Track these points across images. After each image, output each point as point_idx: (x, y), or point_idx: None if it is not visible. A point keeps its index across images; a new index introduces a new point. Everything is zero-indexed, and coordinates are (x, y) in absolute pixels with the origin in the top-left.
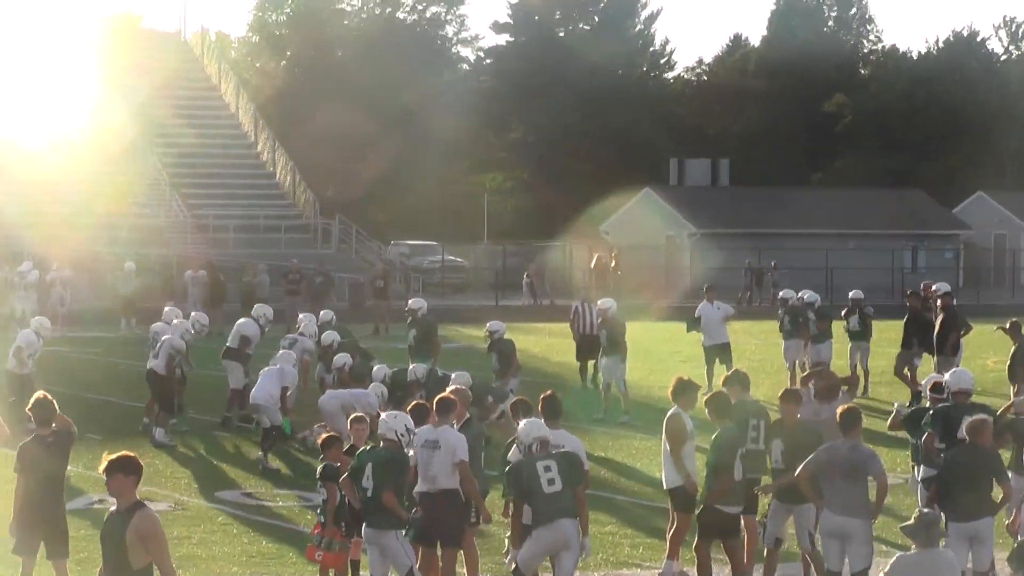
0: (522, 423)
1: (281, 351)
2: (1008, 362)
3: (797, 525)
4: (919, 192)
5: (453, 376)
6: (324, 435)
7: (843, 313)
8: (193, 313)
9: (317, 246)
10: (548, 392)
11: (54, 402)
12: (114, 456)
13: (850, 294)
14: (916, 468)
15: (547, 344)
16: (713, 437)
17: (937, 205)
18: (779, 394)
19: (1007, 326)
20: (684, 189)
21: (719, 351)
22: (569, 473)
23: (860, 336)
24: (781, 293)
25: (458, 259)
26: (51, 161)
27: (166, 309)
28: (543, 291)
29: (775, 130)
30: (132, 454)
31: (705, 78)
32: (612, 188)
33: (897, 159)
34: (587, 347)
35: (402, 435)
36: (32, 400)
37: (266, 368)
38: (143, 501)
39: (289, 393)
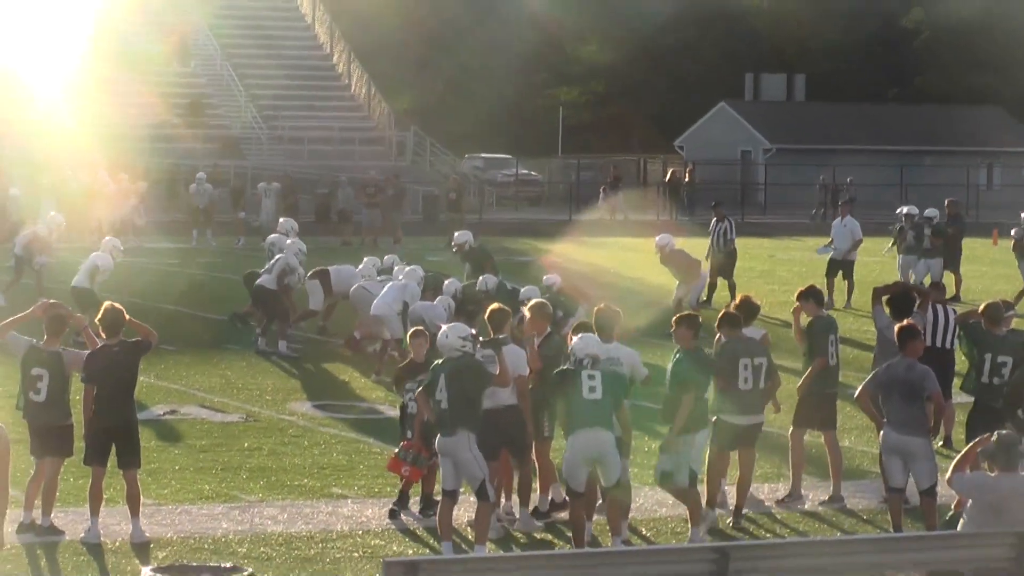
0: (576, 338)
1: (408, 267)
2: None
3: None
4: (996, 109)
5: (523, 290)
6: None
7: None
8: (282, 219)
9: (392, 158)
10: (601, 305)
11: (123, 311)
12: None
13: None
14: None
15: (621, 258)
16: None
17: (1014, 122)
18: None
19: None
20: (759, 104)
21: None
22: (612, 386)
23: None
24: (904, 209)
25: (532, 173)
26: (126, 75)
27: (281, 220)
28: (619, 206)
29: (852, 45)
30: None
31: None
32: (687, 103)
33: (976, 76)
34: (715, 266)
35: (463, 346)
36: (101, 310)
37: (391, 282)
38: None
39: (411, 308)
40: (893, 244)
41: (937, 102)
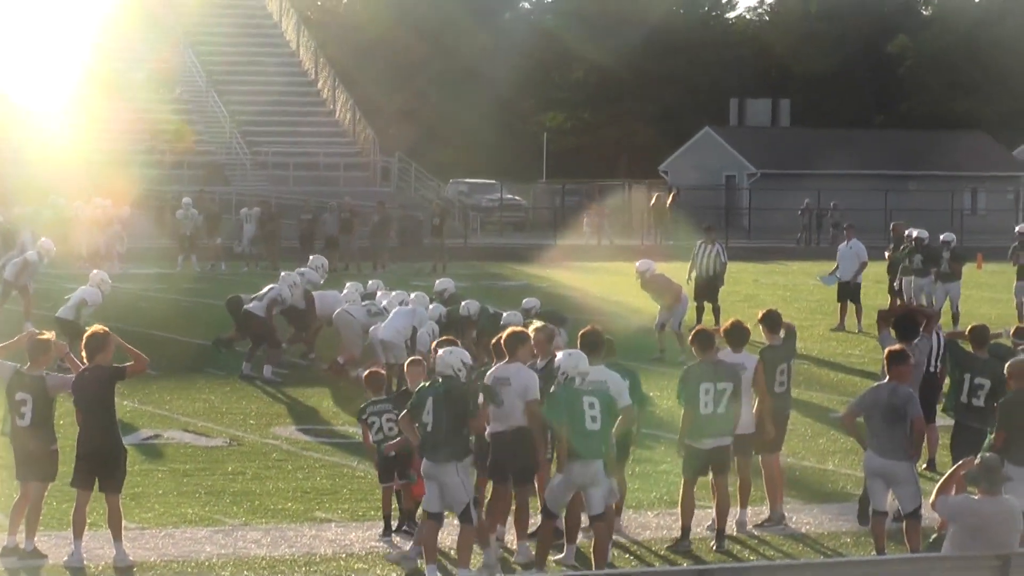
0: (564, 354)
1: (415, 293)
2: None
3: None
4: (980, 134)
5: (505, 315)
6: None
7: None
8: (312, 257)
9: (376, 184)
10: (588, 327)
11: (108, 335)
12: None
13: None
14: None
15: (607, 283)
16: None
17: (999, 147)
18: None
19: None
20: (744, 129)
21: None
22: (609, 414)
23: None
24: (914, 232)
25: (517, 198)
26: (110, 101)
27: (312, 257)
28: (603, 231)
29: (837, 72)
30: None
31: (767, 18)
32: (672, 128)
33: (960, 101)
34: (701, 288)
35: (459, 370)
36: (87, 334)
37: (398, 308)
38: None
39: (420, 332)
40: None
41: (922, 127)
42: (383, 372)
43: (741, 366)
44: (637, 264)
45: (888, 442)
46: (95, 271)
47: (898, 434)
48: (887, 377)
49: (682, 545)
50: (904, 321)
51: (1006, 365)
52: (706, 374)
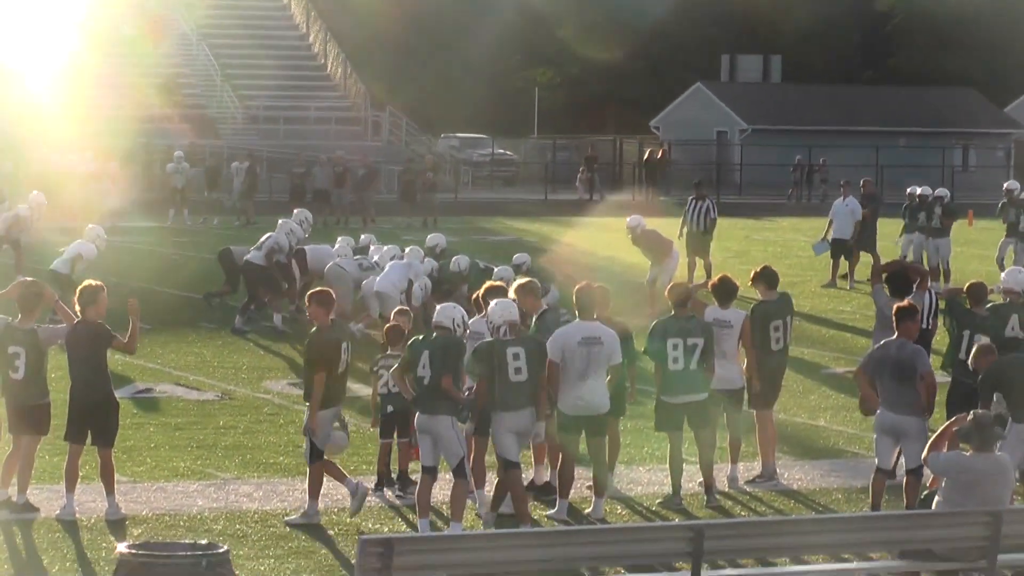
0: (492, 303)
1: (410, 247)
2: None
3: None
4: (970, 90)
5: (496, 270)
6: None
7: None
8: (296, 210)
9: (367, 138)
10: (582, 283)
11: (101, 288)
12: None
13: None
14: None
15: (597, 239)
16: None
17: (989, 104)
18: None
19: None
20: (735, 85)
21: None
22: (537, 363)
23: None
24: (918, 189)
25: (508, 152)
26: (101, 55)
27: (296, 211)
28: (595, 186)
29: (827, 28)
30: None
31: None
32: (663, 84)
33: (949, 58)
34: (692, 244)
35: (457, 324)
36: (80, 286)
37: (393, 261)
38: None
39: (414, 286)
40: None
41: (911, 84)
42: (403, 326)
43: (727, 322)
44: (628, 220)
45: (898, 398)
46: (91, 225)
47: (907, 390)
48: (895, 333)
49: (674, 502)
50: (897, 278)
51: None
52: (674, 329)
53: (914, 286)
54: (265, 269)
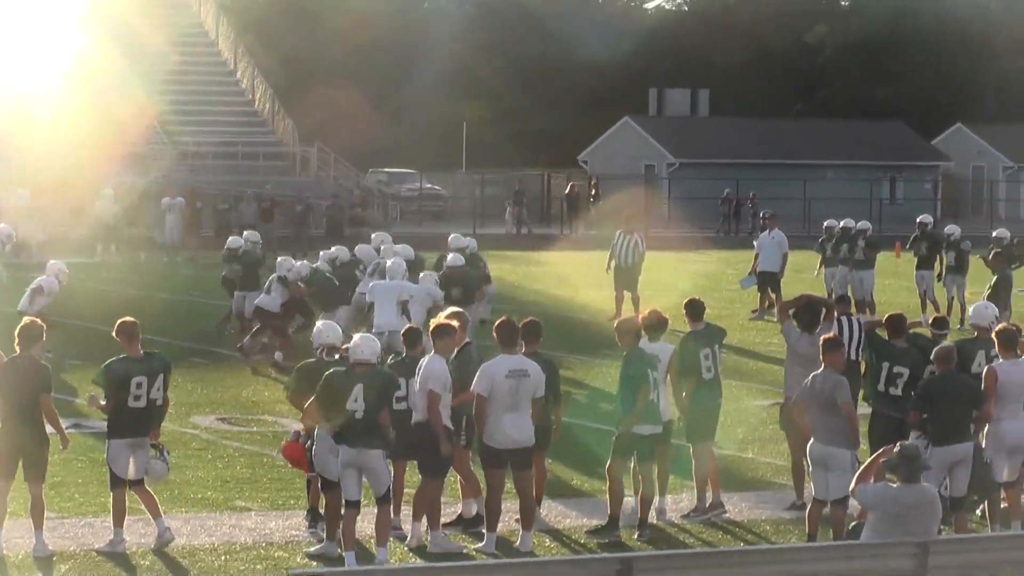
0: (319, 323)
1: (424, 272)
2: (988, 292)
3: None
4: (898, 123)
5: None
6: None
7: (910, 243)
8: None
9: (296, 173)
10: (503, 319)
11: (42, 328)
12: None
13: (946, 229)
14: None
15: (525, 272)
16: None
17: (916, 136)
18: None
19: (989, 256)
20: (663, 119)
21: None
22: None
23: (956, 270)
24: (840, 223)
25: (436, 187)
26: (27, 89)
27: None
28: (523, 220)
29: (756, 61)
30: None
31: (686, 8)
32: (592, 118)
33: (878, 90)
34: (620, 278)
35: (378, 357)
36: (23, 323)
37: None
38: None
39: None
40: (822, 262)
41: (840, 117)
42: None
43: (656, 357)
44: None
45: (825, 429)
46: (52, 261)
47: (833, 421)
48: (805, 367)
49: (612, 535)
50: (804, 311)
51: (933, 351)
52: (649, 361)
53: (821, 318)
54: (278, 316)
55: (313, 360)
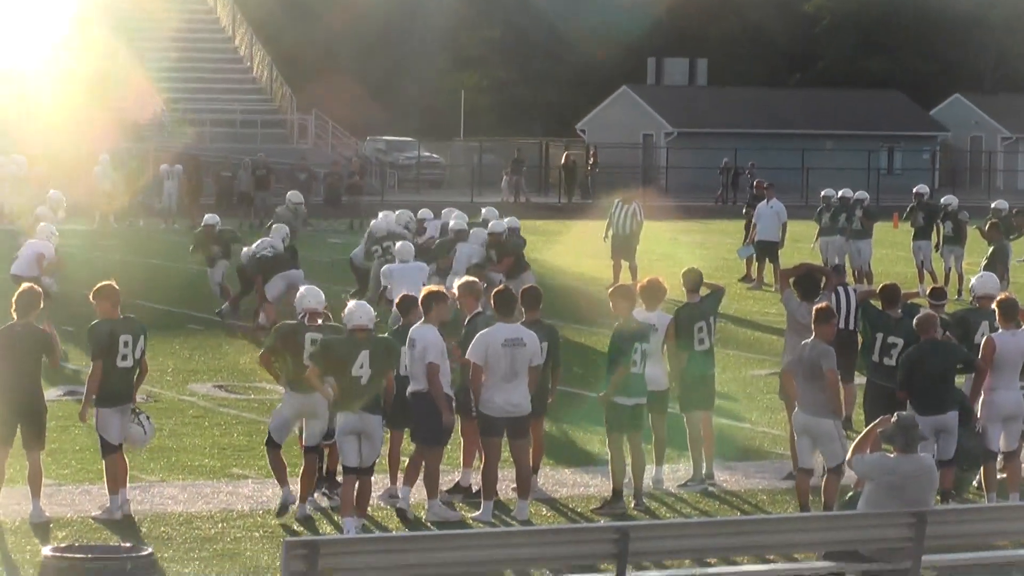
0: (301, 288)
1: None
2: (985, 262)
3: None
4: (897, 93)
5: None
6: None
7: (906, 213)
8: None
9: (294, 141)
10: (500, 287)
11: (39, 295)
12: None
13: (944, 199)
14: None
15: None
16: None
17: (914, 106)
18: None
19: (986, 226)
20: (662, 88)
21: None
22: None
23: (954, 241)
24: (839, 192)
25: (434, 155)
26: (24, 57)
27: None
28: (521, 189)
29: (754, 31)
30: None
31: None
32: (590, 87)
33: (876, 61)
34: (618, 247)
35: (372, 323)
36: (20, 290)
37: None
38: None
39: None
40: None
41: (838, 87)
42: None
43: (652, 326)
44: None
45: (810, 398)
46: (41, 224)
47: (818, 391)
48: (809, 335)
49: (616, 507)
50: (804, 280)
51: (915, 319)
52: (637, 333)
53: (821, 287)
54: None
55: (293, 322)
